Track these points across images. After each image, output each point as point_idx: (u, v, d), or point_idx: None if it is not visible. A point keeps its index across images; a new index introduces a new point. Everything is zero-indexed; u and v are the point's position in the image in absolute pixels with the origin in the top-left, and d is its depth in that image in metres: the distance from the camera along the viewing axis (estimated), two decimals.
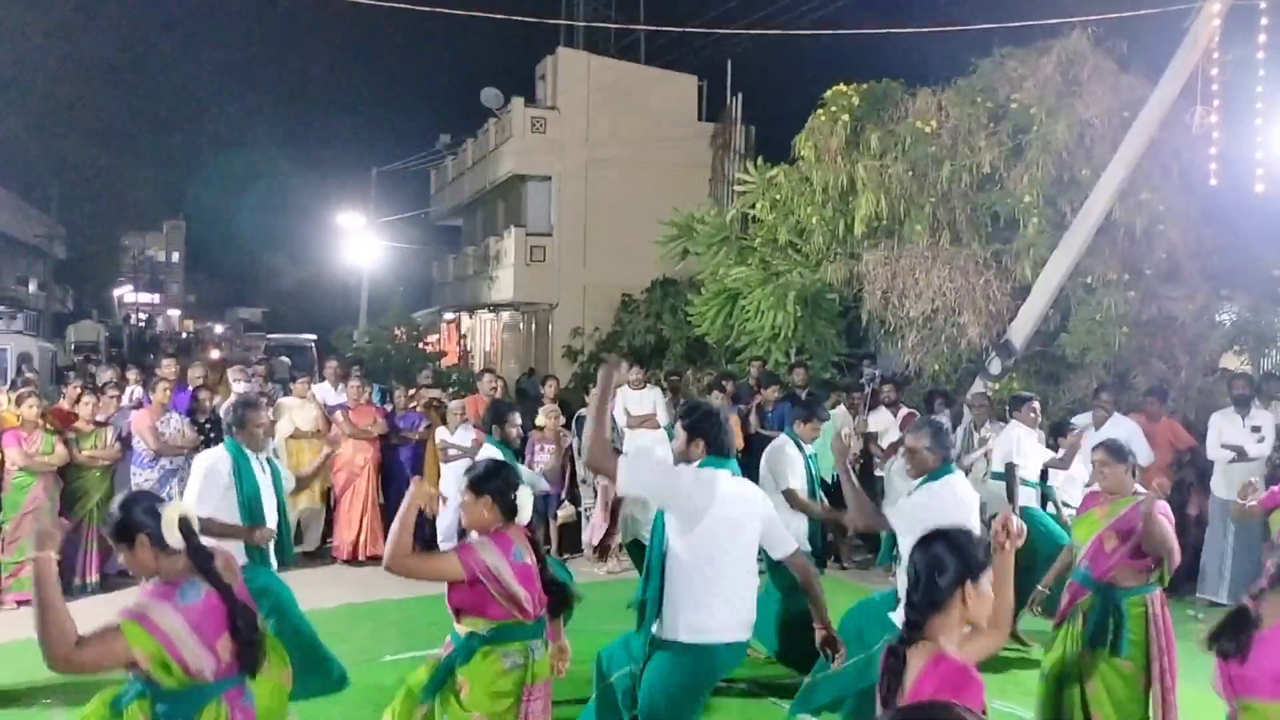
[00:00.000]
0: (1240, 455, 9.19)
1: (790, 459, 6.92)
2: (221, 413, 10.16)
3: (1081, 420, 9.97)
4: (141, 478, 9.05)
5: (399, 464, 10.79)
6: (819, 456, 7.64)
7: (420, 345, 19.71)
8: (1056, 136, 10.76)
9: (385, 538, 10.72)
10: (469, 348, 28.47)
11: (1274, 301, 10.96)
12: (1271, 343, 11.03)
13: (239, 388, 11.61)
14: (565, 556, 11.02)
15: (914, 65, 12.90)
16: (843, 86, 11.96)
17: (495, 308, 26.13)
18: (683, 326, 16.01)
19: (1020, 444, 8.02)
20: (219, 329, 44.22)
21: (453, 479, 10.62)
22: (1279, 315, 11.03)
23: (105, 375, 9.98)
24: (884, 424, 10.83)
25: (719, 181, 24.15)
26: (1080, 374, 10.58)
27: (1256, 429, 9.18)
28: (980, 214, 11.40)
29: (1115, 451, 5.09)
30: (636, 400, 10.91)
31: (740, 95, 24.80)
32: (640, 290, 18.23)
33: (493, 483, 3.87)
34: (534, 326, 25.27)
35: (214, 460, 5.29)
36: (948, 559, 2.78)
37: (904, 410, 10.85)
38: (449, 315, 29.36)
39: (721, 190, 23.41)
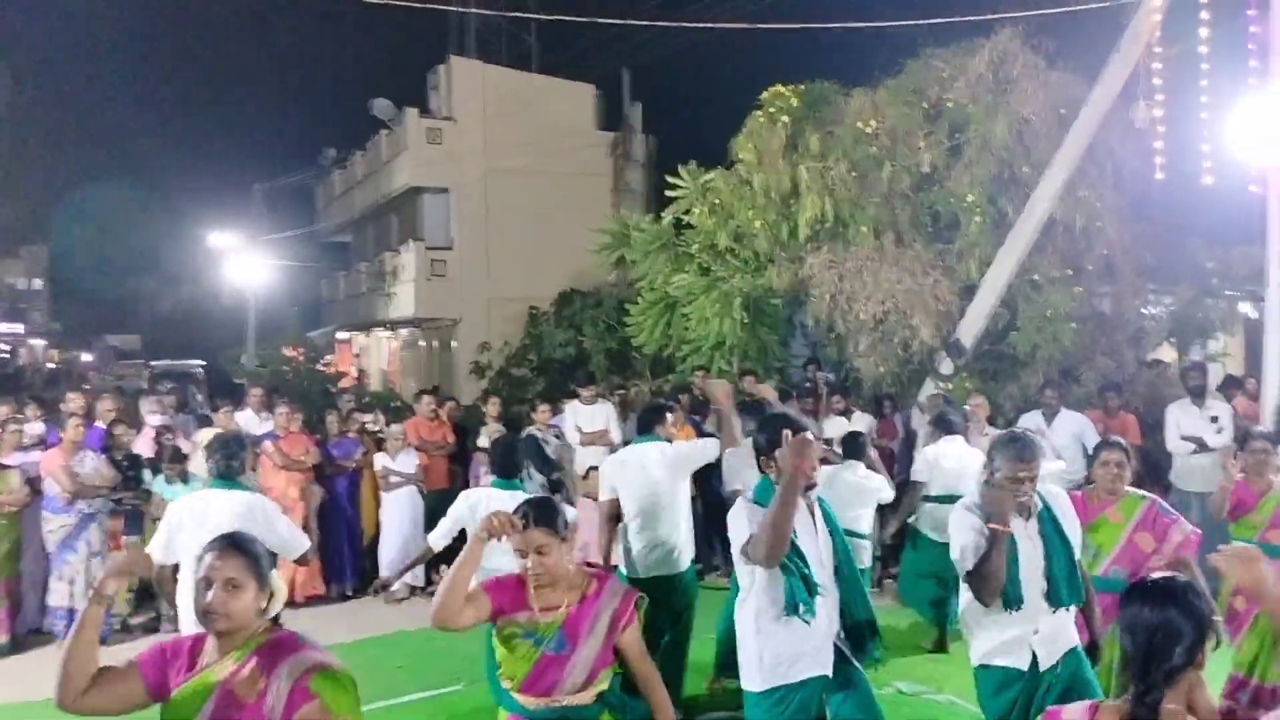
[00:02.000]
0: (1201, 447, 9.28)
1: (749, 462, 6.77)
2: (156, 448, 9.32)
3: (1029, 419, 9.95)
4: (56, 524, 8.12)
5: (334, 495, 10.05)
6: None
7: (320, 367, 18.72)
8: (995, 135, 10.76)
9: (324, 575, 10.21)
10: (363, 368, 27.41)
11: (1207, 294, 11.21)
12: (1206, 334, 11.27)
13: (153, 420, 10.66)
14: None
15: (841, 66, 12.79)
16: (780, 88, 11.75)
17: (393, 325, 25.20)
18: (604, 337, 15.58)
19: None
20: (86, 358, 41.60)
21: (396, 509, 9.97)
22: (1209, 308, 11.30)
23: None
24: (838, 431, 10.61)
25: (621, 190, 23.91)
26: (1030, 371, 10.58)
27: (1214, 419, 9.28)
28: (922, 214, 11.34)
29: (1128, 453, 4.98)
30: (588, 416, 10.43)
31: (640, 104, 24.64)
32: (549, 302, 17.72)
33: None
34: (435, 344, 24.46)
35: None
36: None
37: (864, 417, 10.67)
38: (342, 335, 28.22)
39: (624, 199, 23.16)
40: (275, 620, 2.84)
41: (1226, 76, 9.14)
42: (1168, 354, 11.85)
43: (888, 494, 7.59)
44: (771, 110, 11.57)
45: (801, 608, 3.92)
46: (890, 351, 10.75)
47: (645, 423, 6.62)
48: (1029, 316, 10.43)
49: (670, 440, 6.49)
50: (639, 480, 6.20)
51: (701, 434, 10.25)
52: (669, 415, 6.65)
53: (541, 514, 3.42)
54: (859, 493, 7.39)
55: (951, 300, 10.65)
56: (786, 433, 4.00)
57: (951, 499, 8.17)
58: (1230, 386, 10.51)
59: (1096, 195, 10.73)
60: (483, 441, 10.58)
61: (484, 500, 6.08)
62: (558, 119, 23.00)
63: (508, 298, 20.78)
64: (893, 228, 11.23)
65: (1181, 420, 9.35)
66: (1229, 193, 9.94)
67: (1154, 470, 10.24)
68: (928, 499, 7.88)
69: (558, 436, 10.57)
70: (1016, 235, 10.28)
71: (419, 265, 22.44)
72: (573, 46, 25.75)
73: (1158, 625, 2.50)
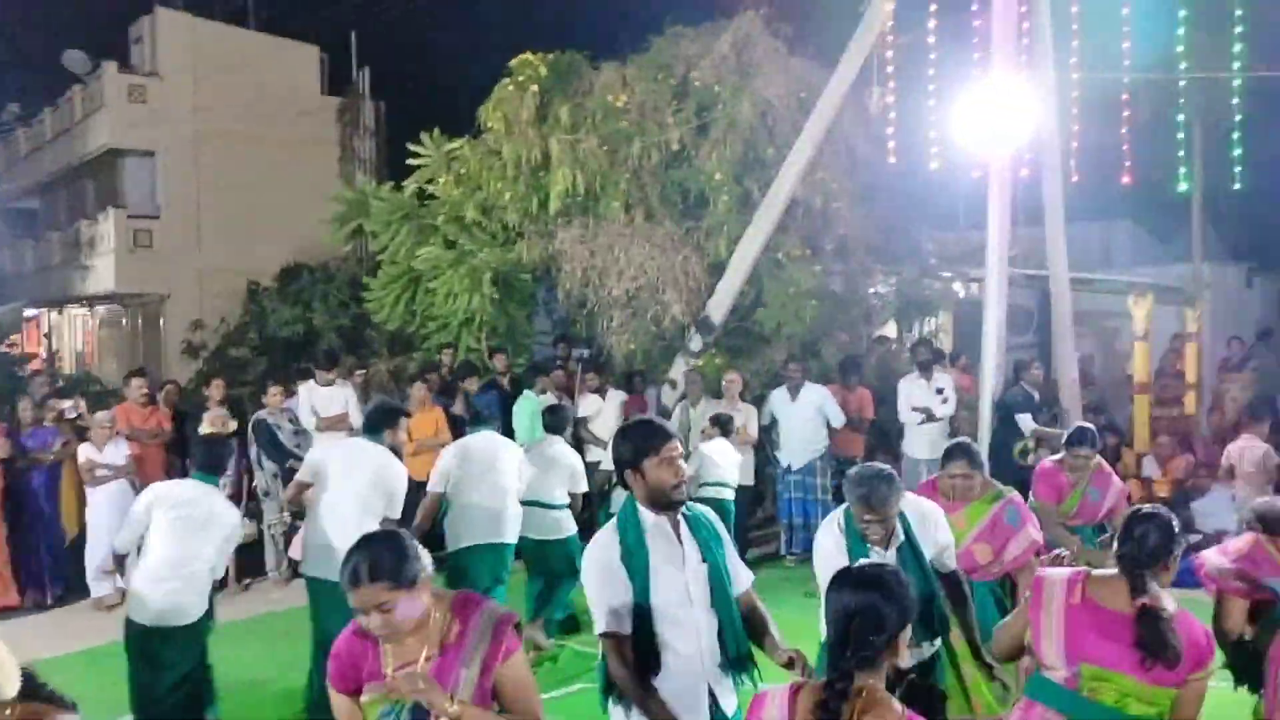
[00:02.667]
0: (929, 416, 9.89)
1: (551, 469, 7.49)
2: None
3: (776, 394, 10.25)
4: None
5: (29, 491, 8.81)
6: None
7: (4, 348, 16.55)
8: (741, 115, 10.94)
9: (16, 579, 8.90)
10: (55, 348, 24.62)
11: (926, 275, 11.94)
12: (926, 313, 12.01)
13: None
14: (247, 581, 9.63)
15: (586, 37, 12.56)
16: (530, 56, 11.38)
17: (90, 301, 22.73)
18: (336, 314, 14.67)
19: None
20: None
21: (105, 506, 8.85)
22: (929, 288, 12.06)
23: None
24: (593, 409, 10.48)
25: (349, 159, 22.70)
26: (774, 346, 10.87)
27: (940, 391, 9.91)
28: (672, 191, 11.36)
29: (976, 460, 4.93)
30: (325, 399, 9.69)
31: (368, 69, 23.45)
32: (271, 276, 16.52)
33: None
34: (140, 321, 22.28)
35: None
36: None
37: (617, 393, 10.57)
38: (30, 312, 25.19)
39: (352, 168, 21.99)
40: None
41: (953, 67, 9.69)
42: (890, 331, 12.55)
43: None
44: (520, 79, 11.20)
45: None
46: (642, 328, 10.71)
47: (373, 423, 6.21)
48: (774, 294, 10.70)
49: (398, 445, 6.19)
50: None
51: (450, 417, 9.81)
52: (403, 421, 6.30)
53: (377, 567, 2.71)
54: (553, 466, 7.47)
55: (701, 277, 10.74)
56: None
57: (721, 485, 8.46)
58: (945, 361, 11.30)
59: (833, 178, 11.15)
60: (205, 429, 9.63)
61: (165, 496, 5.49)
62: (278, 81, 21.46)
63: (223, 271, 19.18)
64: (643, 204, 11.19)
65: (911, 392, 9.93)
66: (954, 178, 10.60)
67: (885, 439, 10.84)
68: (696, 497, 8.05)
69: (291, 421, 9.80)
70: (762, 214, 10.49)
71: (120, 235, 20.27)
72: (295, 4, 24.13)
73: (858, 610, 2.52)
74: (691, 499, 3.59)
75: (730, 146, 10.97)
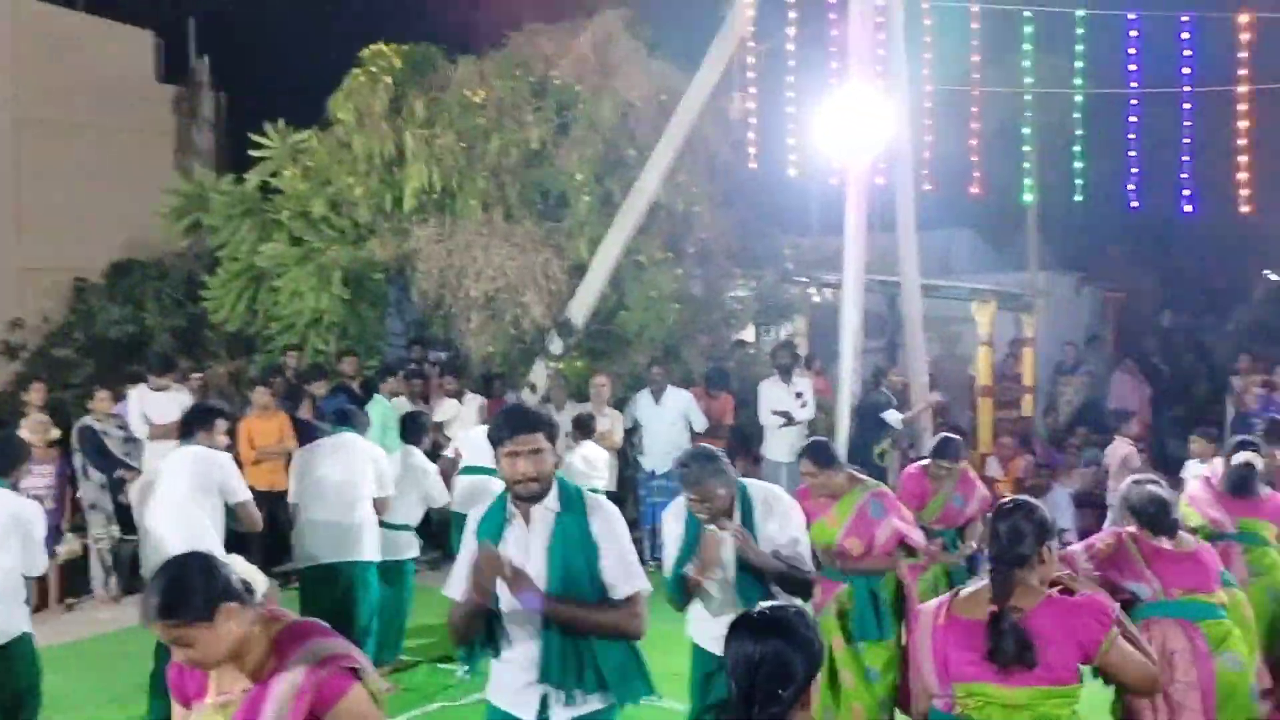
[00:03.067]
0: (789, 420, 9.96)
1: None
2: None
3: (641, 398, 10.18)
4: None
5: None
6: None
7: None
8: (602, 116, 10.81)
9: None
10: None
11: (784, 280, 12.07)
12: (784, 317, 12.13)
13: None
14: (70, 601, 8.93)
15: (440, 30, 12.20)
16: (383, 46, 10.95)
17: None
18: (170, 314, 13.82)
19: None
20: None
21: None
22: (787, 293, 12.19)
23: None
24: (451, 414, 10.15)
25: (186, 150, 21.55)
26: (636, 350, 10.77)
27: (799, 395, 10.00)
28: (531, 191, 11.13)
29: (821, 458, 5.01)
30: (158, 405, 9.06)
31: (208, 57, 22.35)
32: (99, 273, 15.50)
33: None
34: None
35: None
36: None
37: (475, 398, 10.26)
38: None
39: (189, 160, 20.88)
40: None
41: (813, 74, 9.79)
42: (747, 335, 12.64)
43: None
44: (373, 70, 10.76)
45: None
46: (501, 330, 10.44)
47: (186, 426, 5.89)
48: (636, 297, 10.60)
49: (215, 448, 5.87)
50: None
51: (296, 423, 9.32)
52: (220, 422, 5.96)
53: (164, 603, 2.45)
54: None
55: (562, 279, 10.55)
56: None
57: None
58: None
59: (694, 181, 11.15)
60: (25, 434, 8.86)
61: None
62: (109, 67, 20.10)
63: (45, 267, 17.85)
64: (502, 203, 10.92)
65: (771, 396, 9.98)
66: (811, 184, 10.72)
67: (744, 442, 10.86)
68: None
69: (121, 428, 9.14)
70: (624, 216, 10.37)
71: None
72: None
73: (761, 659, 2.31)
74: None
75: (591, 146, 10.83)
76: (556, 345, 10.60)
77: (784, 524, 4.08)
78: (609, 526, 3.45)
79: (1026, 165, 9.21)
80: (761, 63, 10.04)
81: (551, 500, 3.41)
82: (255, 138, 11.37)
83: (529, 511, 3.40)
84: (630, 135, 10.97)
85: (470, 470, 8.13)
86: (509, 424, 3.38)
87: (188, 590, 2.46)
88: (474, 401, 10.34)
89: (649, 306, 10.52)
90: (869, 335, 16.67)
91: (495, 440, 3.40)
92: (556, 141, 11.06)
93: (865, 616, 4.90)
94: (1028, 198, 9.27)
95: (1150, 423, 14.02)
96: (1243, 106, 8.49)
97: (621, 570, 3.42)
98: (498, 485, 7.18)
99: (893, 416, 9.74)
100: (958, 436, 6.67)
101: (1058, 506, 10.18)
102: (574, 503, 3.43)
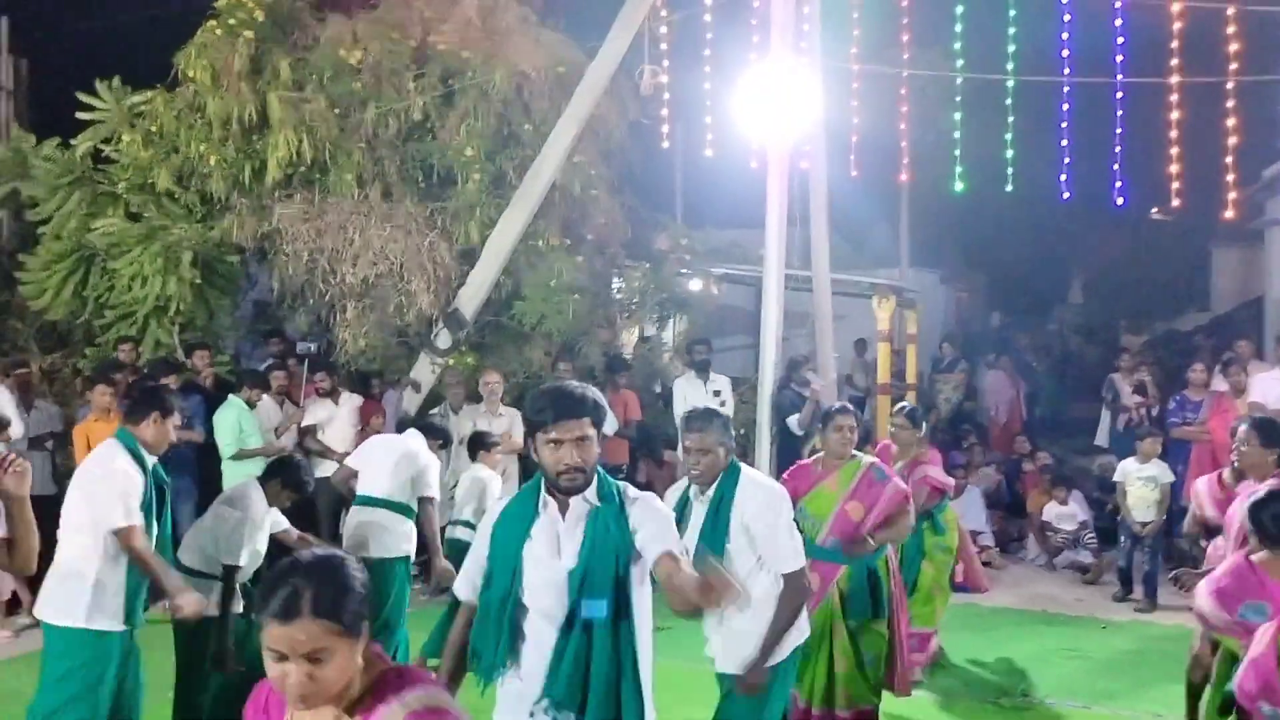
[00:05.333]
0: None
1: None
2: None
3: None
4: None
5: None
6: None
7: None
8: (494, 87, 9.80)
9: None
10: None
11: (680, 269, 11.37)
12: (680, 309, 11.43)
13: None
14: None
15: None
16: None
17: None
18: None
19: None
20: None
21: None
22: (682, 283, 11.49)
23: None
24: (323, 415, 8.95)
25: None
26: (532, 344, 9.83)
27: (717, 393, 9.33)
28: (412, 166, 10.00)
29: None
30: None
31: (6, 18, 19.86)
32: None
33: None
34: None
35: None
36: None
37: (352, 397, 9.10)
38: None
39: None
40: None
41: (732, 48, 9.13)
42: (642, 329, 11.89)
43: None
44: (232, 22, 9.38)
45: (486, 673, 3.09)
46: (384, 321, 9.30)
47: None
48: (533, 286, 9.65)
49: None
50: None
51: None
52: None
53: (332, 602, 1.99)
54: None
55: (451, 265, 9.50)
56: None
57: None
58: None
59: (592, 163, 10.30)
60: None
61: None
62: None
63: None
64: (380, 178, 9.77)
65: (688, 393, 9.27)
66: (712, 172, 10.06)
67: (650, 444, 10.11)
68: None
69: None
70: (521, 198, 9.40)
71: None
72: None
73: None
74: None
75: (482, 120, 9.80)
76: (444, 339, 9.54)
77: (762, 512, 3.85)
78: (647, 511, 3.10)
79: (957, 153, 8.84)
80: (674, 34, 9.30)
81: (591, 493, 3.06)
82: (85, 98, 9.75)
83: (566, 504, 3.07)
84: (525, 109, 10.01)
85: (367, 502, 6.28)
86: (554, 407, 3.01)
87: (350, 593, 2.02)
88: (350, 401, 9.17)
89: (547, 296, 9.60)
90: (743, 332, 16.36)
91: (535, 425, 3.04)
92: (441, 113, 9.98)
93: (861, 597, 4.94)
94: (959, 186, 8.91)
95: (1024, 419, 14.17)
96: (1173, 97, 8.35)
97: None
98: (402, 527, 6.23)
99: (793, 422, 9.23)
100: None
101: (973, 506, 9.92)
102: (611, 495, 3.09)
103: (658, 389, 10.68)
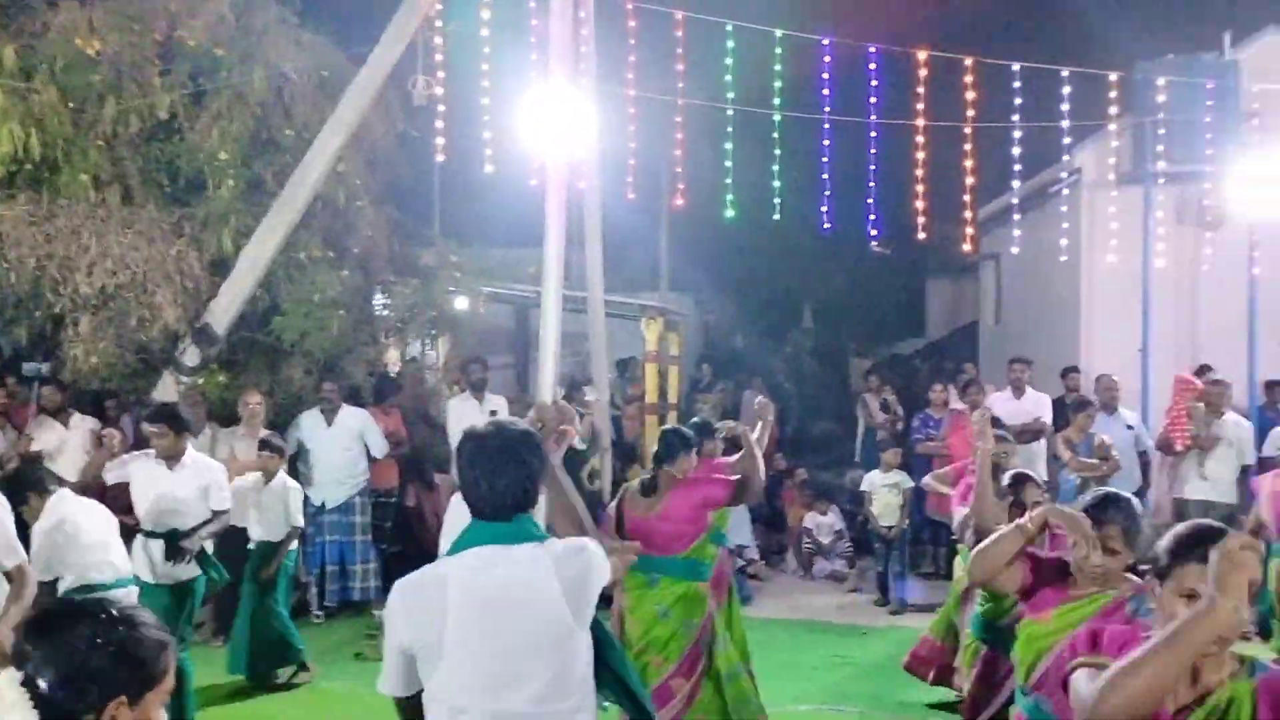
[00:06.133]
0: None
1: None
2: None
3: (308, 419, 8.82)
4: None
5: None
6: None
7: None
8: (253, 88, 9.19)
9: None
10: None
11: (449, 287, 11.08)
12: (445, 329, 11.15)
13: None
14: None
15: None
16: None
17: None
18: None
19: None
20: None
21: None
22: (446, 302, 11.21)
23: None
24: (53, 441, 8.05)
25: None
26: (292, 362, 9.24)
27: (494, 413, 9.12)
28: (156, 168, 9.21)
29: None
30: None
31: None
32: None
33: None
34: None
35: None
36: None
37: (85, 419, 8.23)
38: None
39: None
40: None
41: (511, 64, 9.02)
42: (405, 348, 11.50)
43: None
44: None
45: None
46: (123, 336, 8.46)
47: None
48: (294, 300, 9.09)
49: None
50: None
51: None
52: None
53: None
54: None
55: (200, 275, 8.79)
56: None
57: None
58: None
59: (356, 173, 9.87)
60: None
61: None
62: None
63: None
64: (119, 180, 8.92)
65: (463, 414, 9.00)
66: (502, 184, 9.92)
67: (418, 468, 9.76)
68: None
69: None
70: (282, 206, 8.84)
71: None
72: None
73: None
74: None
75: (237, 122, 9.16)
76: (192, 355, 8.80)
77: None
78: None
79: (729, 181, 9.11)
80: (450, 46, 9.07)
81: None
82: None
83: None
84: (285, 113, 9.45)
85: None
86: None
87: None
88: (83, 424, 8.30)
89: (309, 312, 9.07)
90: (504, 351, 16.19)
91: None
92: (190, 112, 9.25)
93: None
94: (729, 213, 9.20)
95: (778, 437, 14.83)
96: (919, 138, 9.02)
97: None
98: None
99: (576, 439, 9.22)
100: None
101: (739, 520, 10.21)
102: None
103: (425, 410, 10.34)
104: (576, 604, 2.67)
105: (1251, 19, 11.65)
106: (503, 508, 2.75)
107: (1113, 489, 3.36)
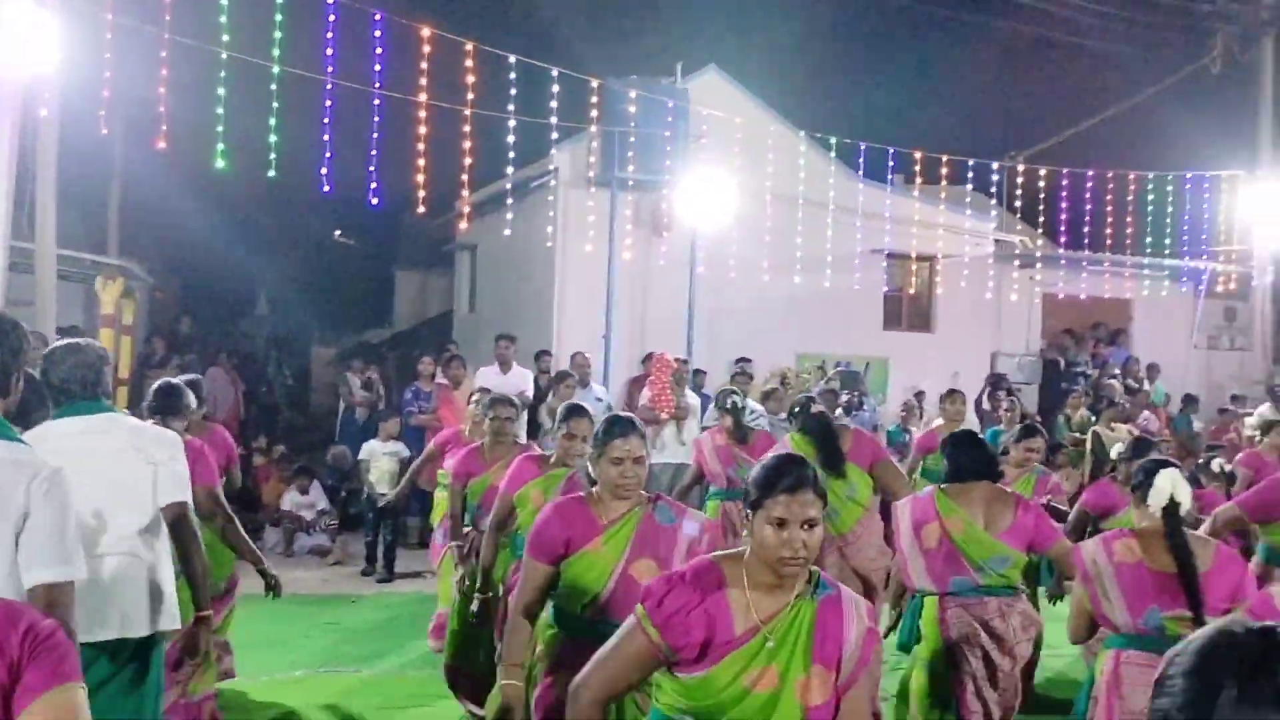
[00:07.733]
0: None
1: None
2: None
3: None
4: None
5: None
6: None
7: None
8: None
9: None
10: None
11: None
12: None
13: None
14: None
15: None
16: None
17: None
18: None
19: None
20: None
21: None
22: None
23: None
24: None
25: None
26: None
27: None
28: None
29: None
30: None
31: None
32: None
33: None
34: None
35: None
36: None
37: None
38: None
39: None
40: None
41: None
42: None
43: None
44: None
45: None
46: None
47: None
48: None
49: None
50: None
51: None
52: None
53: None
54: None
55: None
56: None
57: None
58: None
59: None
60: None
61: None
62: None
63: None
64: None
65: None
66: None
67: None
68: None
69: None
70: None
71: None
72: None
73: None
74: None
75: None
76: None
77: None
78: None
79: (220, 129, 8.41)
80: None
81: None
82: None
83: None
84: None
85: None
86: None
87: None
88: None
89: None
90: None
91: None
92: None
93: None
94: (220, 163, 8.43)
95: (240, 418, 14.03)
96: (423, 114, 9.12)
97: None
98: None
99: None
100: None
101: None
102: None
103: None
104: None
105: (699, 55, 13.48)
106: None
107: None
